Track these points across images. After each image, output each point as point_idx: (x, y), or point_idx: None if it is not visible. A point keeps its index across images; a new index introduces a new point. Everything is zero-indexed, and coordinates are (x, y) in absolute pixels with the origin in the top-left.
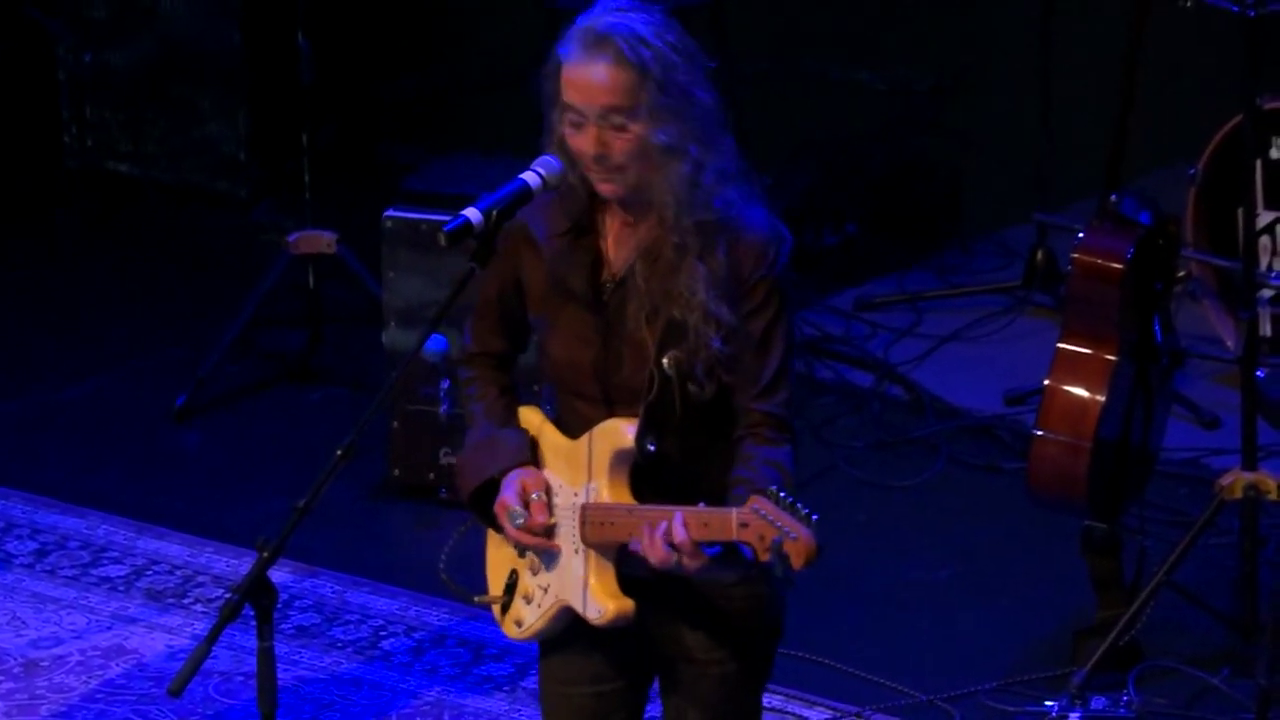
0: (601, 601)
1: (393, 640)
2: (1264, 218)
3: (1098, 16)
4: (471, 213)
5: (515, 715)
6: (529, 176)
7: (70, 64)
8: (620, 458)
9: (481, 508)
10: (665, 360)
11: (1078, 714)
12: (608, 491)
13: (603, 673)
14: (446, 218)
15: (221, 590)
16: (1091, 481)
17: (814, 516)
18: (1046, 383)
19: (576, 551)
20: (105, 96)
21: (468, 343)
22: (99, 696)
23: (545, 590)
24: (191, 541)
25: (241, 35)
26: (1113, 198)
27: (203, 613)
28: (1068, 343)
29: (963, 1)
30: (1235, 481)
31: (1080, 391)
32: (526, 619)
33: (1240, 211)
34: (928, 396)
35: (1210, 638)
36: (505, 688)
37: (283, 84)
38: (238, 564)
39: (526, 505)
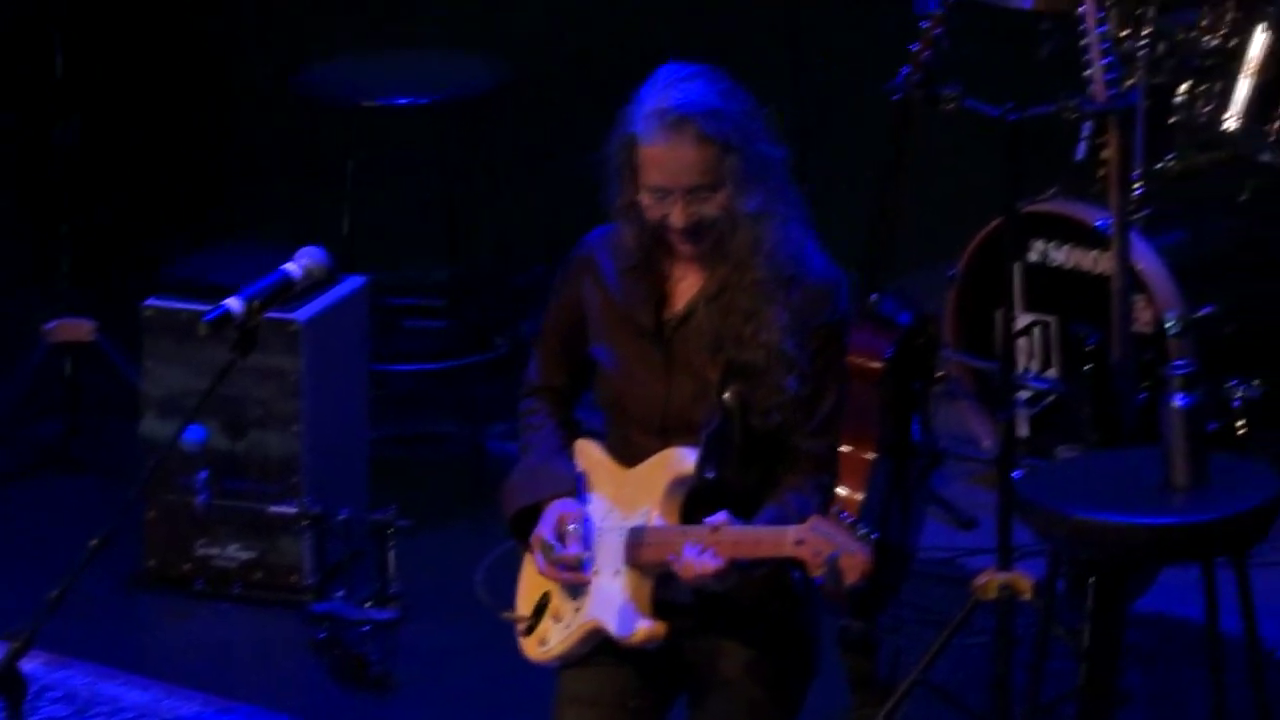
0: (634, 622)
1: None
2: (1022, 320)
3: (858, 117)
4: (233, 302)
5: None
6: (291, 267)
7: None
8: (678, 484)
9: (522, 532)
10: (727, 394)
11: None
12: (660, 515)
13: (630, 687)
14: (207, 307)
15: None
16: None
17: (874, 536)
18: None
19: (617, 574)
20: None
21: (530, 378)
22: None
23: (577, 611)
24: None
25: (0, 120)
26: (873, 298)
27: None
28: None
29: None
30: (990, 582)
31: (839, 489)
32: (553, 639)
33: (998, 313)
34: None
35: None
36: None
37: (42, 171)
38: None
39: (562, 537)
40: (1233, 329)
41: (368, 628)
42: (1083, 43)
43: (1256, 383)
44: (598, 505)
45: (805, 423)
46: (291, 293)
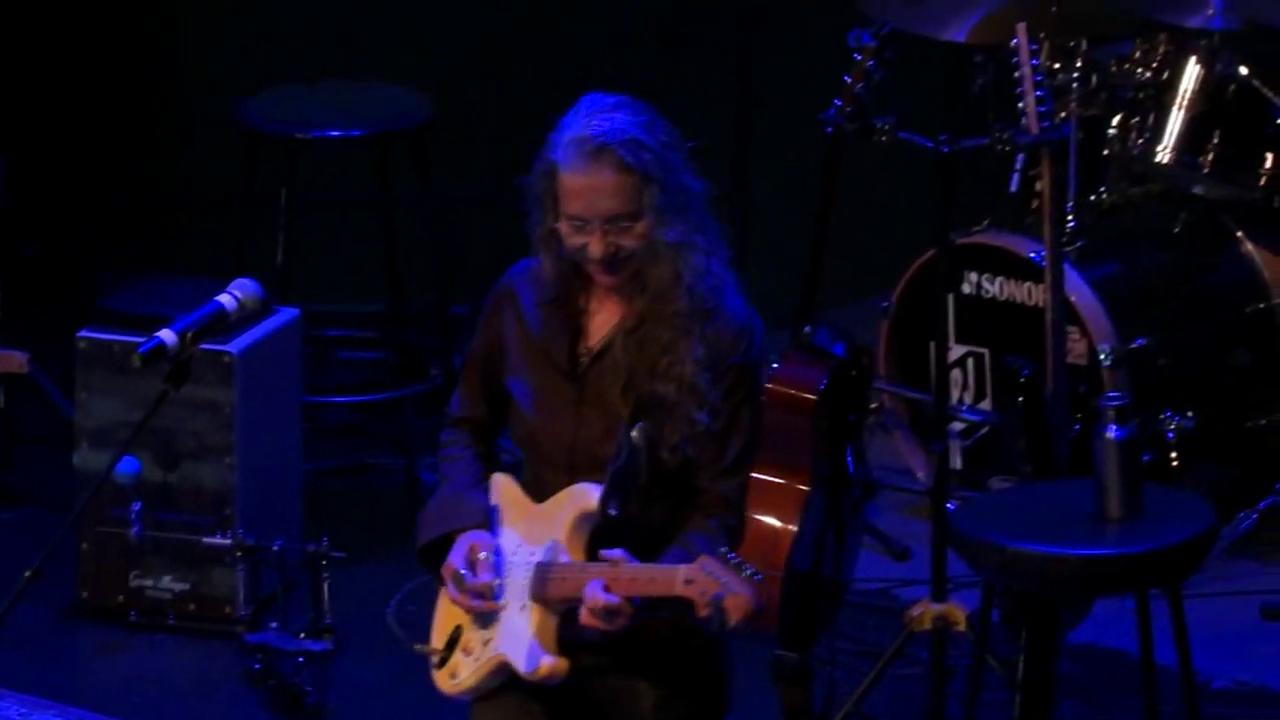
0: (537, 657)
1: None
2: (955, 351)
3: (792, 148)
4: (166, 334)
5: None
6: (225, 299)
7: None
8: (583, 520)
9: (434, 563)
10: (635, 431)
11: None
12: (566, 550)
13: None
14: (141, 339)
15: None
16: (783, 611)
17: (757, 577)
18: None
19: (523, 608)
20: None
21: (453, 410)
22: None
23: (486, 644)
24: None
25: None
26: (806, 329)
27: None
28: (760, 472)
29: None
30: (925, 613)
31: (772, 521)
32: (462, 672)
33: (932, 345)
34: None
35: None
36: None
37: None
38: None
39: (473, 566)
40: (1166, 361)
41: (302, 659)
42: (1015, 75)
43: (1190, 415)
44: (508, 539)
45: (714, 462)
46: (225, 324)
